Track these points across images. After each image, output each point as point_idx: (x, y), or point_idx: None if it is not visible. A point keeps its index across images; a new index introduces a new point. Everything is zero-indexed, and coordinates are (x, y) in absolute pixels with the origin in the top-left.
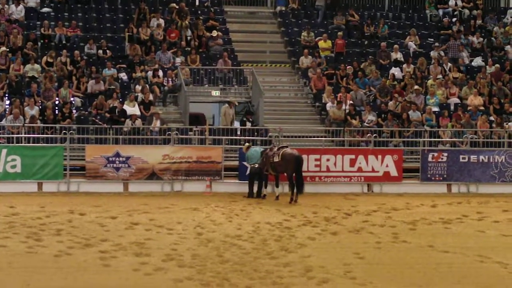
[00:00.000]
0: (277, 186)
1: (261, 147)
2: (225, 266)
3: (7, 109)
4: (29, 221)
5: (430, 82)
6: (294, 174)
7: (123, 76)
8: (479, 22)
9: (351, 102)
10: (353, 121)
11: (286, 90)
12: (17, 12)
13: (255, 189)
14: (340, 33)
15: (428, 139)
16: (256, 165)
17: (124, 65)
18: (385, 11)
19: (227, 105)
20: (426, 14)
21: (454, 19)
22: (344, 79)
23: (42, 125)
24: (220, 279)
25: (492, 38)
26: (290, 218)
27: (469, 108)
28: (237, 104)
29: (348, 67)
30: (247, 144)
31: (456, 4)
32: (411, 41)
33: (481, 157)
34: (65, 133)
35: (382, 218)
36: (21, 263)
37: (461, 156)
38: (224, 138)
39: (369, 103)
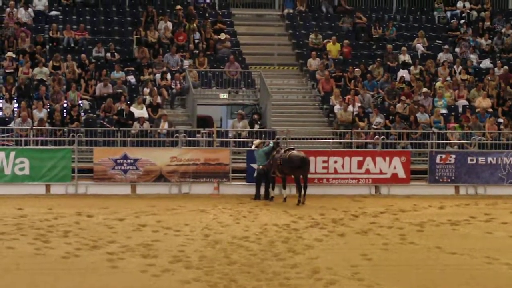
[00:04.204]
0: (284, 188)
1: (270, 143)
2: (233, 267)
3: (16, 112)
4: (37, 223)
5: (438, 84)
6: (301, 176)
7: (131, 79)
8: (487, 24)
9: (359, 104)
10: (361, 123)
11: (294, 92)
12: (25, 15)
13: (262, 191)
14: (346, 41)
15: (436, 141)
16: (261, 167)
17: (132, 68)
18: (393, 13)
19: (236, 118)
20: (434, 16)
21: (462, 21)
22: (352, 81)
23: (50, 127)
24: (227, 280)
25: (501, 40)
26: (297, 219)
27: (477, 110)
28: (244, 114)
29: (356, 69)
30: (258, 141)
31: (464, 6)
32: (419, 43)
33: (489, 159)
34: (73, 136)
35: (389, 219)
36: (29, 264)
37: (469, 158)
38: (231, 140)
39: (377, 106)
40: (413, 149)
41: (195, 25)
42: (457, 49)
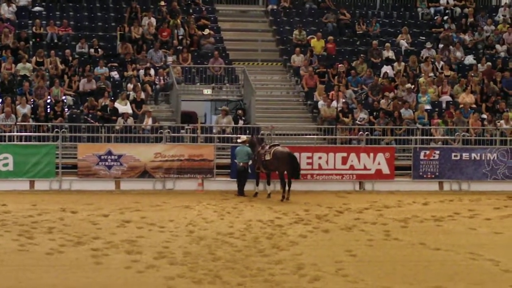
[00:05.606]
0: (269, 184)
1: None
2: (217, 263)
3: None
4: (21, 219)
5: (421, 80)
6: (285, 172)
7: (115, 74)
8: (470, 20)
9: (343, 100)
10: (345, 119)
11: (278, 88)
12: (8, 11)
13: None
14: (330, 37)
15: (420, 137)
16: (241, 164)
17: (116, 64)
18: (376, 10)
19: (220, 114)
20: (418, 12)
21: (445, 17)
22: (336, 77)
23: (34, 123)
24: (212, 276)
25: (481, 35)
26: (281, 216)
27: (460, 106)
28: (228, 110)
29: (339, 65)
30: (244, 137)
31: (447, 2)
32: (403, 40)
33: (473, 155)
34: (57, 132)
35: (373, 215)
36: (12, 261)
37: (453, 154)
38: (216, 136)
39: (361, 101)
40: (397, 145)
41: (178, 21)
42: (440, 45)
